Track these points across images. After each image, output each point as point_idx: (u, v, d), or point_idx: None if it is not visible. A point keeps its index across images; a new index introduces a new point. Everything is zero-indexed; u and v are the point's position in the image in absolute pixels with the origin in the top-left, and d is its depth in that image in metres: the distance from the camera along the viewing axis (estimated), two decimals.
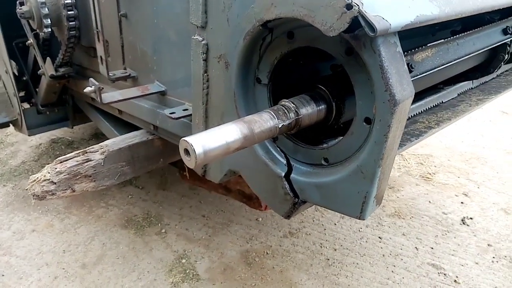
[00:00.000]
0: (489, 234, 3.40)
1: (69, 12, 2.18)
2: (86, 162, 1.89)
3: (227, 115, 1.40)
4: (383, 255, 3.13)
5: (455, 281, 2.95)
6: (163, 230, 3.29)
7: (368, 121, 1.09)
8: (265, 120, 1.11)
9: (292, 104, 1.18)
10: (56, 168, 1.81)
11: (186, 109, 1.74)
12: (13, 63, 2.88)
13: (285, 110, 1.16)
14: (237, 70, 1.29)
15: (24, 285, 2.73)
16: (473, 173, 4.22)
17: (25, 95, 3.39)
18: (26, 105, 3.48)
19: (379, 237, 3.30)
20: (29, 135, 3.26)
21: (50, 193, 1.77)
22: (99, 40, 1.97)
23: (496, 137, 4.99)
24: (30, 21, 2.38)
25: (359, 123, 1.11)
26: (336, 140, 1.16)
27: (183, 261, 3.03)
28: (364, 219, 1.10)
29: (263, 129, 1.10)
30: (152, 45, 1.93)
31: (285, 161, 1.30)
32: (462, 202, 3.76)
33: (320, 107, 1.24)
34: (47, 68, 2.62)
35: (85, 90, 1.71)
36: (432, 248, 3.20)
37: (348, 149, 1.15)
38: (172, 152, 2.20)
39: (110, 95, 1.80)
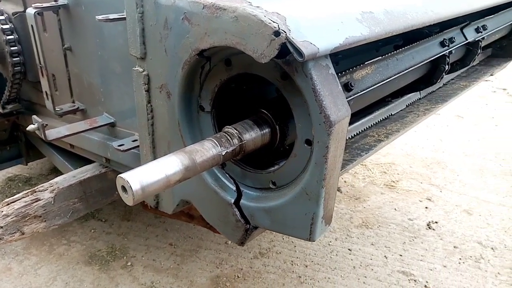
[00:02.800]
0: (454, 236, 3.49)
1: (12, 48, 2.12)
2: (35, 202, 1.81)
3: (174, 145, 1.38)
4: (354, 267, 3.14)
5: (425, 286, 2.99)
6: (129, 263, 3.18)
7: (309, 142, 1.10)
8: (208, 149, 1.10)
9: (235, 130, 1.17)
10: (2, 211, 1.72)
11: (136, 140, 1.71)
12: None
13: (228, 137, 1.15)
14: (179, 99, 1.27)
15: None
16: (435, 177, 4.34)
17: None
18: None
19: (348, 249, 3.32)
20: None
21: None
22: (43, 75, 1.91)
23: (454, 141, 5.18)
24: None
25: (301, 145, 1.11)
26: (282, 163, 1.17)
27: None
28: (314, 240, 1.09)
29: (205, 158, 1.08)
30: (98, 77, 1.89)
31: (235, 187, 1.29)
32: (426, 207, 3.84)
33: (264, 131, 1.23)
34: None
35: (28, 128, 1.65)
36: (401, 255, 3.25)
37: (293, 171, 1.15)
38: None
39: (56, 131, 1.74)
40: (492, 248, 3.40)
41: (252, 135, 1.20)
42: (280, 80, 1.09)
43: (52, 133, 1.70)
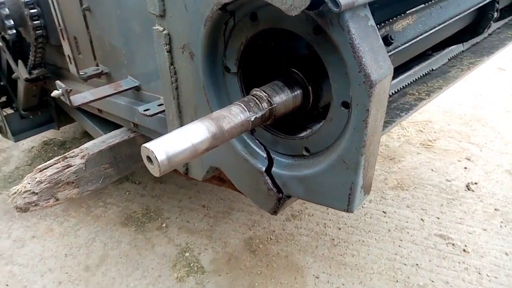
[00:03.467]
0: (495, 198, 3.32)
1: (31, 11, 2.06)
2: (67, 168, 1.81)
3: (201, 109, 1.30)
4: (389, 229, 3.06)
5: (464, 250, 2.88)
6: (164, 225, 3.24)
7: (346, 105, 0.99)
8: (235, 114, 1.01)
9: (264, 93, 1.07)
10: (36, 178, 1.74)
11: (162, 104, 1.64)
12: None
13: (257, 101, 1.06)
14: (202, 60, 1.18)
15: None
16: (474, 135, 4.11)
17: (6, 101, 3.29)
18: (10, 111, 3.39)
19: (383, 212, 3.23)
20: (15, 141, 3.18)
21: (33, 204, 1.70)
22: (63, 38, 1.85)
23: (495, 96, 4.85)
24: None
25: (337, 108, 1.00)
26: (316, 127, 1.06)
27: (187, 254, 2.98)
28: (352, 211, 1.01)
29: (233, 125, 1.00)
30: (119, 38, 1.81)
31: (265, 154, 1.21)
32: (465, 167, 3.66)
33: (295, 93, 1.13)
34: (21, 72, 2.51)
35: (52, 94, 1.61)
36: (438, 218, 3.13)
37: (329, 137, 1.06)
38: None
39: (81, 97, 1.70)
40: None
41: (283, 98, 1.10)
42: (312, 35, 0.97)
43: (77, 99, 1.66)
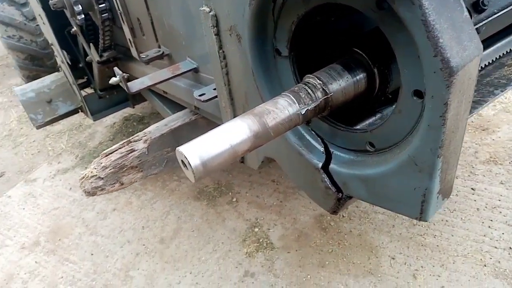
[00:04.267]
0: None
1: None
2: (130, 153, 1.83)
3: (251, 96, 1.18)
4: (477, 208, 2.74)
5: None
6: (234, 199, 3.25)
7: (419, 94, 0.80)
8: (282, 108, 0.88)
9: (318, 80, 0.92)
10: (101, 163, 1.78)
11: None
12: (64, 52, 2.90)
13: (309, 90, 0.91)
14: (250, 43, 1.04)
15: (111, 262, 2.89)
16: None
17: (86, 81, 3.46)
18: (90, 91, 3.57)
19: (471, 189, 2.89)
20: (94, 120, 3.36)
21: (100, 188, 1.75)
22: (123, 22, 1.82)
23: None
24: (64, 10, 2.31)
25: (407, 98, 0.81)
26: (383, 120, 0.88)
27: (256, 230, 2.97)
28: (426, 220, 0.84)
29: (279, 120, 0.86)
30: (177, 18, 1.73)
31: (323, 148, 1.06)
32: None
33: (358, 77, 0.95)
34: (93, 54, 2.59)
35: (110, 82, 1.60)
36: None
37: (397, 132, 0.87)
38: None
39: (139, 82, 1.66)
40: None
41: (341, 84, 0.93)
42: (375, 10, 0.78)
43: (135, 84, 1.63)
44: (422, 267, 2.48)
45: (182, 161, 0.82)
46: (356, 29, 1.14)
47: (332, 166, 1.01)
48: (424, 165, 0.79)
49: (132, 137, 1.90)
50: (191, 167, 0.79)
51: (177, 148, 0.82)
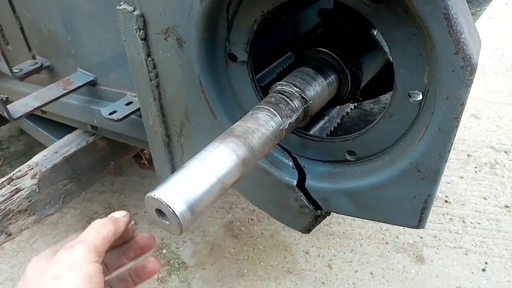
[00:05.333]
0: (466, 144, 3.35)
1: None
2: (16, 193, 1.43)
3: (195, 111, 0.99)
4: None
5: (445, 201, 2.88)
6: (132, 222, 2.91)
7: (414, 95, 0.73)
8: (264, 124, 0.72)
9: (295, 88, 0.78)
10: None
11: (130, 102, 1.29)
12: None
13: (287, 100, 0.77)
14: (197, 47, 0.85)
15: None
16: None
17: None
18: None
19: None
20: None
21: None
22: None
23: None
24: None
25: (402, 101, 0.74)
26: (366, 127, 0.80)
27: (164, 251, 2.72)
28: (423, 227, 0.79)
29: (265, 140, 0.71)
30: (60, 21, 1.40)
31: (291, 162, 0.93)
32: None
33: (330, 80, 0.85)
34: None
35: None
36: None
37: (387, 138, 0.80)
38: (124, 150, 1.75)
39: (22, 104, 1.30)
40: (505, 152, 3.30)
41: (317, 90, 0.82)
42: (368, 3, 0.68)
43: (18, 108, 1.26)
44: (334, 256, 2.58)
45: (158, 210, 0.61)
46: (295, 29, 1.04)
47: (309, 182, 0.89)
48: (429, 171, 0.73)
49: (14, 172, 1.49)
50: (175, 217, 0.58)
51: (148, 195, 0.60)
